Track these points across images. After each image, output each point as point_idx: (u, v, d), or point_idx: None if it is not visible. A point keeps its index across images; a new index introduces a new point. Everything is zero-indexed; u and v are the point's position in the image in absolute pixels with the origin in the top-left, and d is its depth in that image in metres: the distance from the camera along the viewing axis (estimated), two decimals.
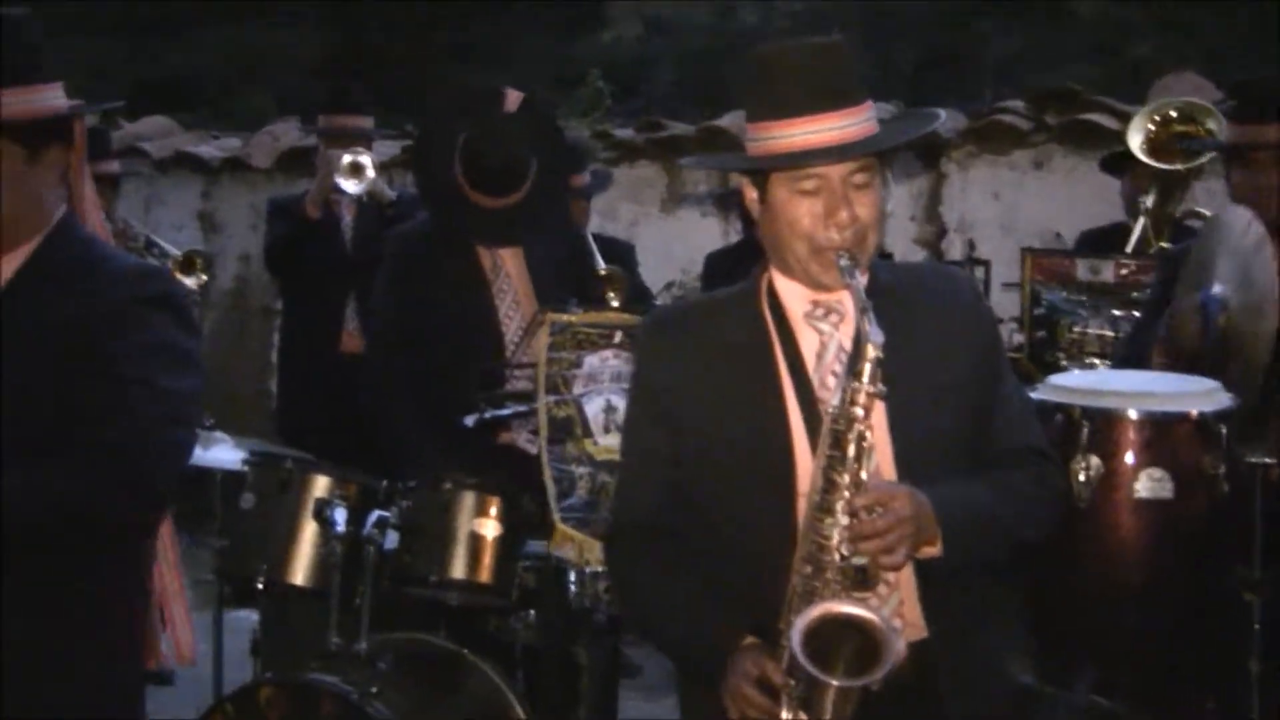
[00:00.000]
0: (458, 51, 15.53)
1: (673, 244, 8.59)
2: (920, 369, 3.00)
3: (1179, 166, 6.21)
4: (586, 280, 5.94)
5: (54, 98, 3.17)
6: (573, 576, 4.37)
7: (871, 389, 2.83)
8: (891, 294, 3.04)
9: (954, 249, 7.97)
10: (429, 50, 15.61)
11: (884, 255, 3.52)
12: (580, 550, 4.30)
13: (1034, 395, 3.86)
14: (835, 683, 2.72)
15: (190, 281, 6.81)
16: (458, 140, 5.19)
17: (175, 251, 6.95)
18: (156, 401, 3.04)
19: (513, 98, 5.29)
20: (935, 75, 12.79)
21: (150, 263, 3.81)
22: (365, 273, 6.92)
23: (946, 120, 7.76)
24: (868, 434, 2.84)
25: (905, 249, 8.05)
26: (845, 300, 3.00)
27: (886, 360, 2.87)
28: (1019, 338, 5.94)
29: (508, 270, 5.28)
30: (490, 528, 4.47)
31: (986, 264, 6.79)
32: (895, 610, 2.98)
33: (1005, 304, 6.37)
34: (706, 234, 8.49)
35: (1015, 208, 7.97)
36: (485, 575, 4.47)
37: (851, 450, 2.83)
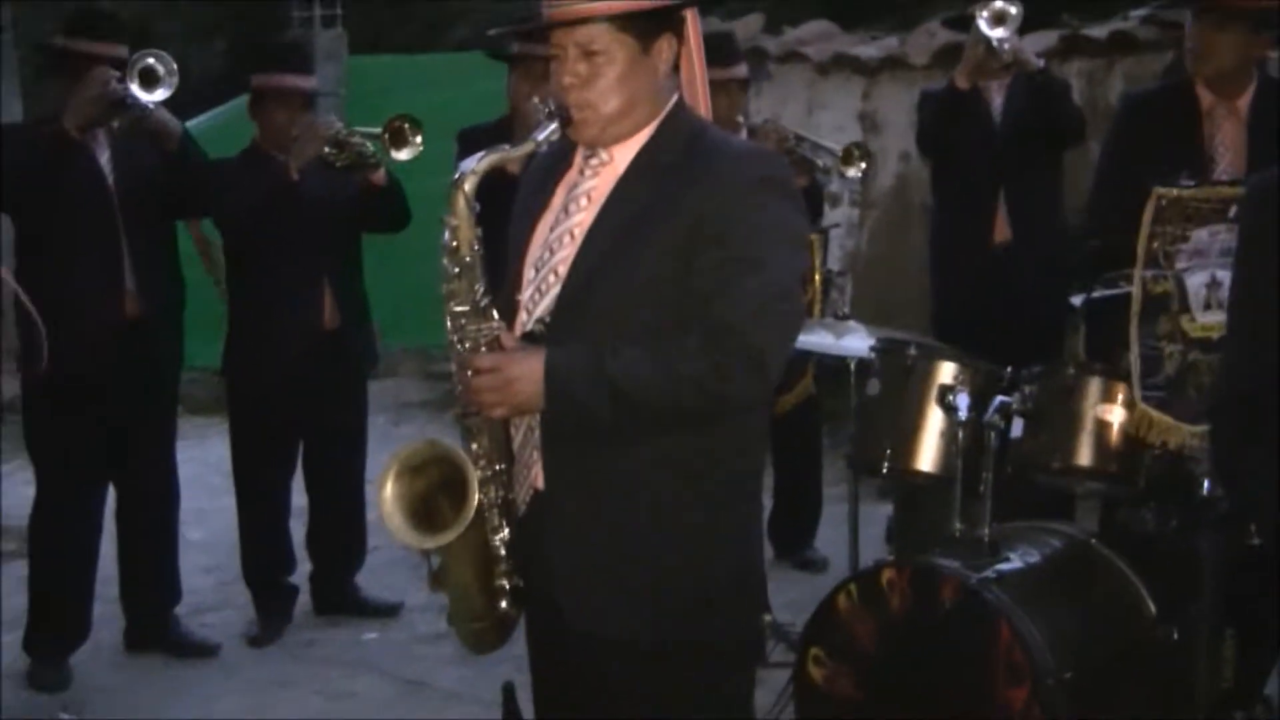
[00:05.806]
0: None
1: None
2: None
3: None
4: None
5: None
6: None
7: None
8: None
9: None
10: None
11: None
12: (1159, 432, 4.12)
13: None
14: None
15: (851, 172, 6.85)
16: None
17: (833, 145, 6.98)
18: (767, 280, 3.09)
19: None
20: None
21: (760, 145, 3.89)
22: (1016, 158, 6.82)
23: None
24: None
25: None
26: None
27: None
28: None
29: (1225, 140, 5.11)
30: (1116, 414, 4.35)
31: None
32: None
33: None
34: None
35: None
36: (1111, 463, 4.37)
37: None
